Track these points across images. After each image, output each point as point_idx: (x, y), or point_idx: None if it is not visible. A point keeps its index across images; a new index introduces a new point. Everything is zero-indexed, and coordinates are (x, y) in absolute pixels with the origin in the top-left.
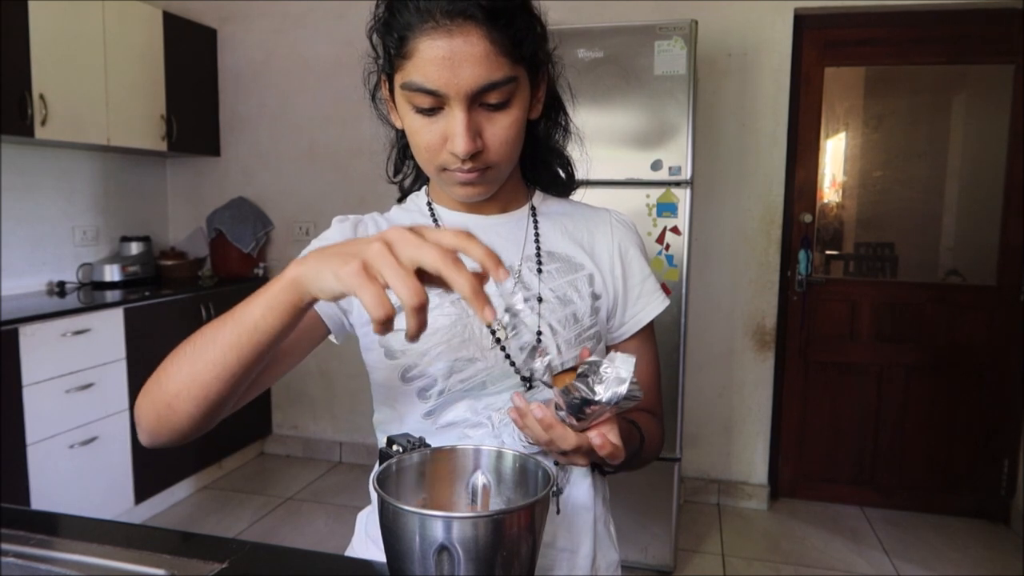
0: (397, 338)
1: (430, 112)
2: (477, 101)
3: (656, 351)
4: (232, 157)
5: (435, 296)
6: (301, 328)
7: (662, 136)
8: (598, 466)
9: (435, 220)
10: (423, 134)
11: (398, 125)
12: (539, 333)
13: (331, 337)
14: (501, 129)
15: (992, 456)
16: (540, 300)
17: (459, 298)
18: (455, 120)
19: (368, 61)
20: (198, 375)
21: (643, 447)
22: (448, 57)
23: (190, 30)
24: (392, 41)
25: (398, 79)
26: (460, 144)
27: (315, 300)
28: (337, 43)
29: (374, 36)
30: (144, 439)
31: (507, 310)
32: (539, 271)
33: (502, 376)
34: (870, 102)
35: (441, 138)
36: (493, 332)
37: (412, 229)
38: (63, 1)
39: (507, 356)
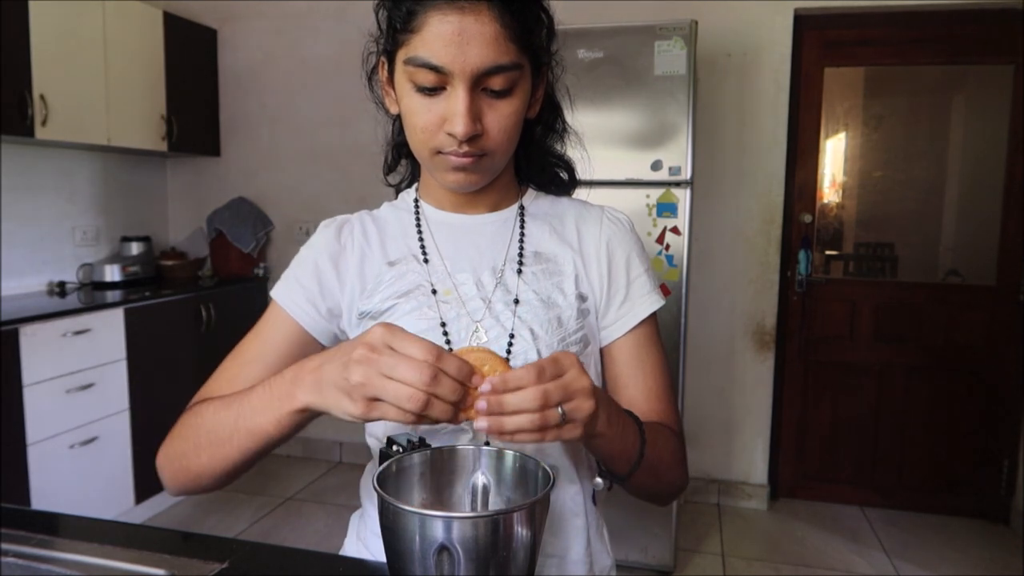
0: None
1: (431, 92)
2: (480, 85)
3: (661, 356)
4: (232, 157)
5: (412, 299)
6: (299, 355)
7: (662, 136)
8: (606, 476)
9: (419, 218)
10: (421, 114)
11: (393, 111)
12: (511, 336)
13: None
14: (502, 116)
15: (992, 456)
16: (517, 302)
17: (438, 301)
18: (457, 100)
19: (368, 42)
20: (217, 465)
21: (645, 451)
22: (458, 33)
23: (190, 30)
24: (399, 15)
25: (401, 55)
26: (460, 124)
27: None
28: (337, 43)
29: (380, 11)
30: (170, 492)
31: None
32: (519, 272)
33: None
34: (870, 102)
35: (439, 119)
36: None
37: (383, 340)
38: (63, 1)
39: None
